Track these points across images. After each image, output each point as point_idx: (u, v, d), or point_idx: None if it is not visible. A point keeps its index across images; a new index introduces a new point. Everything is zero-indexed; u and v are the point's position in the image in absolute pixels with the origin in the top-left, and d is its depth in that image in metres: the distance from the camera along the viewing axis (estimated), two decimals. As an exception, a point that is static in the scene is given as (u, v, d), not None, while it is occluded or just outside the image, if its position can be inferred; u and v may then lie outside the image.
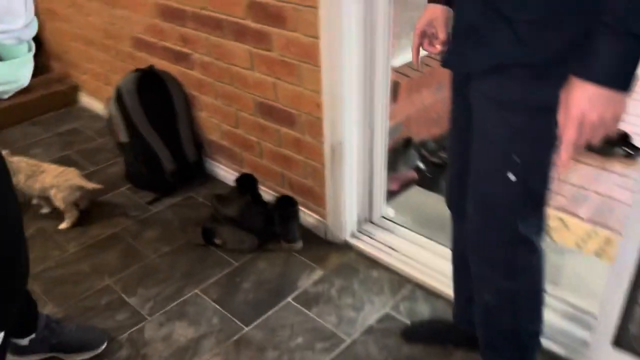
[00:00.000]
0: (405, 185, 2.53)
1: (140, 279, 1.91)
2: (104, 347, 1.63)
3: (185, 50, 2.29)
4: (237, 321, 1.73)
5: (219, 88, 2.24)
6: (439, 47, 1.21)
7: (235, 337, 1.68)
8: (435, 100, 2.87)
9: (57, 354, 1.59)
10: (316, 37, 1.72)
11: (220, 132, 2.36)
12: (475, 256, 1.25)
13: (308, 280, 1.88)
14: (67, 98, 3.30)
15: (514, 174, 1.07)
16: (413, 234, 1.97)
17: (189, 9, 2.14)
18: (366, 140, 1.90)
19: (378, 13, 1.67)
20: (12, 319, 1.24)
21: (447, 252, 1.54)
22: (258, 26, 1.90)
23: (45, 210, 2.27)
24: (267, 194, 2.26)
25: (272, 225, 2.03)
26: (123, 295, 1.84)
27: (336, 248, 2.02)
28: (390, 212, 2.08)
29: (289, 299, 1.81)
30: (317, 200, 2.05)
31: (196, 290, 1.85)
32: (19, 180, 2.15)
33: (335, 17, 1.62)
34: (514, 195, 1.10)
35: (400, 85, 2.59)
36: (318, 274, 1.90)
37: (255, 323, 1.72)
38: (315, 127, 1.90)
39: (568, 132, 0.89)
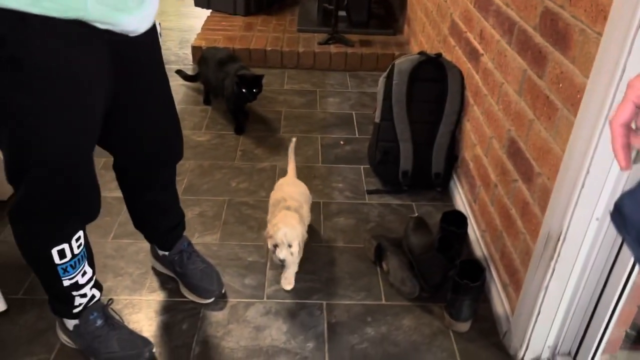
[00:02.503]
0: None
1: (294, 258, 1.79)
2: (209, 301, 1.60)
3: (479, 48, 1.92)
4: (329, 361, 1.46)
5: (487, 103, 1.81)
6: None
7: (312, 376, 1.42)
8: None
9: (177, 278, 1.65)
10: (588, 77, 1.15)
11: (473, 153, 1.94)
12: None
13: (437, 374, 1.43)
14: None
15: None
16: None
17: (495, 0, 1.75)
18: (610, 248, 1.24)
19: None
20: (69, 229, 1.22)
21: None
22: (541, 42, 1.40)
23: None
24: (477, 245, 1.79)
25: (446, 285, 1.59)
26: (268, 263, 1.76)
27: (503, 361, 1.47)
28: (603, 364, 1.37)
29: (399, 378, 1.41)
30: (516, 288, 1.50)
31: (323, 302, 1.62)
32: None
33: (619, 56, 1.03)
34: None
35: None
36: (455, 375, 1.43)
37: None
38: (545, 198, 1.34)
39: None
